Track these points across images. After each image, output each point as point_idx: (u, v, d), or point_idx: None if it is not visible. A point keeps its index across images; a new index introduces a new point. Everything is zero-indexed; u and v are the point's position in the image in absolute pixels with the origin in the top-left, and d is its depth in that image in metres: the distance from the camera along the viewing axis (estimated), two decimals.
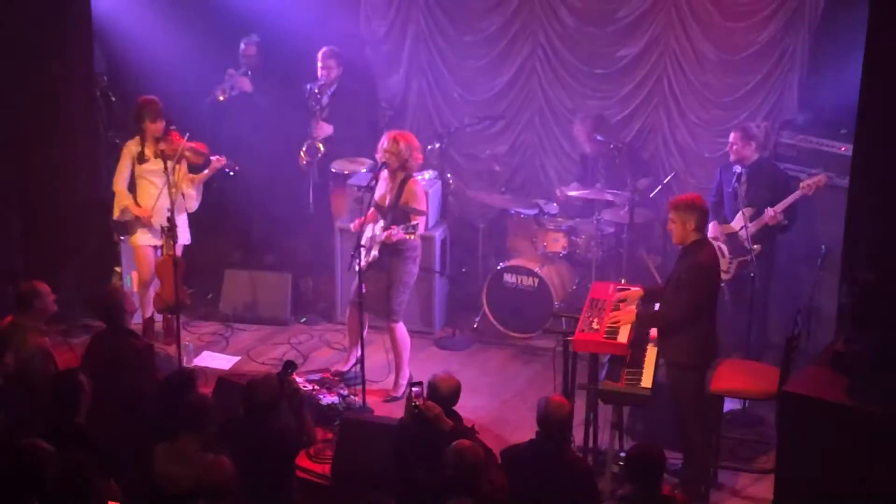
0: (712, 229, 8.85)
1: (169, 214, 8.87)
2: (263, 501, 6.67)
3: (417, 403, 6.79)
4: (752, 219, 8.74)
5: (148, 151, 9.19)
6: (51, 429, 6.66)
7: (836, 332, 7.32)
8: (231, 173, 9.38)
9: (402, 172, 8.65)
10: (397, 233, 8.41)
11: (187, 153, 9.20)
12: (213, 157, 9.28)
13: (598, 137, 9.84)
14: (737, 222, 8.80)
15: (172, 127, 9.18)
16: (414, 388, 6.89)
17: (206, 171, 9.34)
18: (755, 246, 8.67)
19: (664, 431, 7.73)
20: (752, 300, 8.73)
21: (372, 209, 8.74)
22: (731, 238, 8.86)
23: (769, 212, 8.70)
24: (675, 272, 7.55)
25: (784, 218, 8.76)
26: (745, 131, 8.92)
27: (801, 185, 8.69)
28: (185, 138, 9.19)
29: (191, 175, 9.32)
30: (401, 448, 6.92)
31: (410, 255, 8.72)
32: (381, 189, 8.75)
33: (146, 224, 9.26)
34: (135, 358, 7.61)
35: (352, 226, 8.88)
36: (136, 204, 9.27)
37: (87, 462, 6.09)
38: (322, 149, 10.30)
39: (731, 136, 8.94)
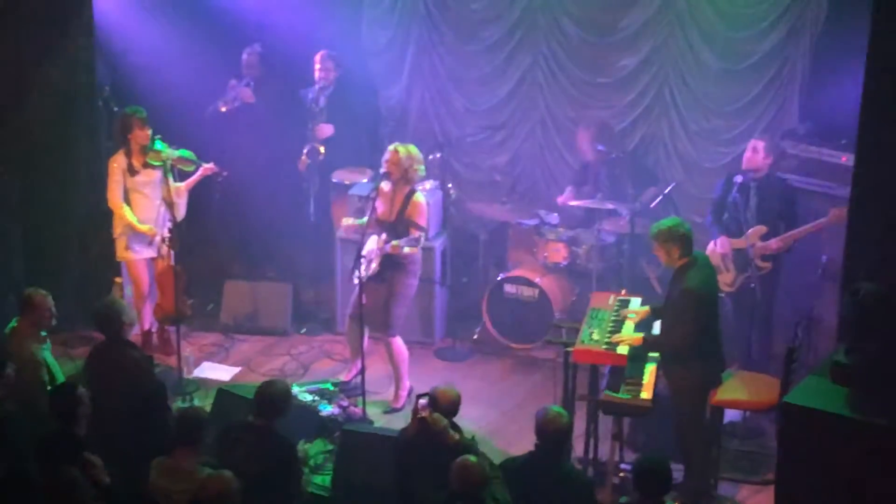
0: (721, 245, 8.78)
1: (170, 224, 8.86)
2: None
3: (424, 416, 6.76)
4: (763, 238, 8.66)
5: (136, 163, 9.14)
6: (50, 441, 6.67)
7: (837, 342, 7.29)
8: (220, 179, 9.34)
9: (405, 185, 8.63)
10: (402, 245, 8.38)
11: (176, 158, 9.16)
12: (203, 165, 9.25)
13: (600, 147, 9.82)
14: (747, 238, 8.72)
15: (158, 136, 9.15)
16: (420, 401, 6.85)
17: (193, 178, 9.30)
18: (765, 264, 8.62)
19: (665, 442, 7.71)
20: (752, 312, 8.71)
21: (370, 220, 8.71)
22: (739, 253, 8.77)
23: (772, 244, 8.60)
24: (670, 294, 7.54)
25: (786, 246, 8.68)
26: (768, 143, 8.78)
27: (831, 213, 8.49)
28: (173, 147, 9.18)
29: (176, 184, 9.27)
30: (403, 460, 6.89)
31: (411, 268, 8.71)
32: (385, 201, 8.73)
33: (151, 240, 9.23)
34: (134, 369, 7.60)
35: (343, 228, 8.82)
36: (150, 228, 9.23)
37: (82, 482, 6.10)
38: (323, 151, 10.31)
39: (756, 145, 8.71)
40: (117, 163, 9.18)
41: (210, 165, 9.28)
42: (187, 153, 9.27)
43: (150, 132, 9.10)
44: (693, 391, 7.45)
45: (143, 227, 9.14)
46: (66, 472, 6.14)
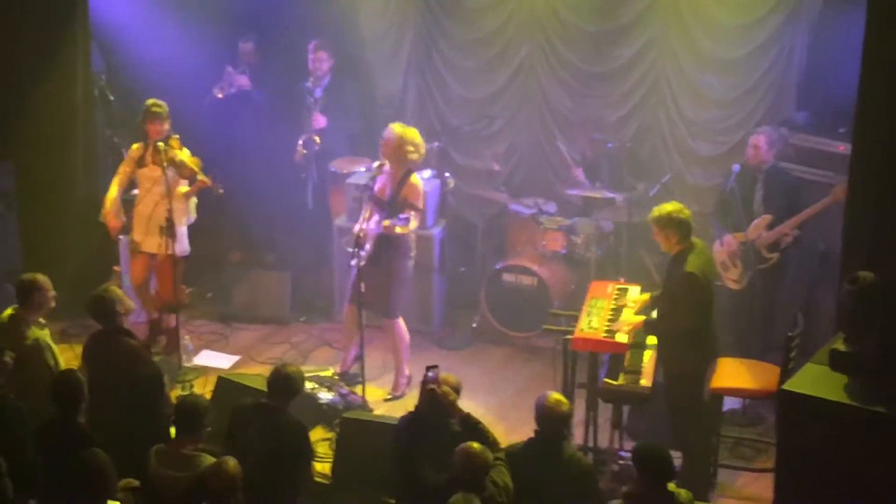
0: (727, 244, 8.78)
1: (168, 215, 8.83)
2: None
3: (433, 387, 6.77)
4: (770, 227, 8.66)
5: (148, 156, 9.09)
6: (52, 429, 6.69)
7: (835, 330, 7.32)
8: (214, 195, 9.27)
9: (401, 166, 8.65)
10: (393, 224, 8.38)
11: (177, 161, 9.08)
12: (199, 178, 9.11)
13: (597, 136, 9.84)
14: (753, 230, 8.69)
15: (175, 135, 9.10)
16: (429, 373, 6.85)
17: (189, 189, 9.18)
18: (772, 254, 8.63)
19: (664, 430, 7.71)
20: (752, 302, 8.71)
21: (368, 208, 8.71)
22: (745, 246, 8.76)
23: (780, 232, 8.60)
24: (667, 281, 7.57)
25: (797, 230, 8.66)
26: (769, 136, 8.75)
27: (832, 191, 8.48)
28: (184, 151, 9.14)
29: (183, 187, 9.17)
30: (405, 441, 6.88)
31: (404, 249, 8.72)
32: (382, 182, 8.73)
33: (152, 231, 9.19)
34: (131, 357, 7.61)
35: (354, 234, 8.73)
36: (117, 213, 9.14)
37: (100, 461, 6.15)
38: (318, 141, 10.31)
39: (756, 141, 8.68)
40: (131, 152, 9.18)
41: (205, 179, 9.13)
42: (192, 160, 9.17)
43: (161, 127, 8.99)
44: (689, 376, 7.47)
45: (112, 220, 9.08)
46: (94, 455, 6.18)
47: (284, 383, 6.92)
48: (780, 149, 8.88)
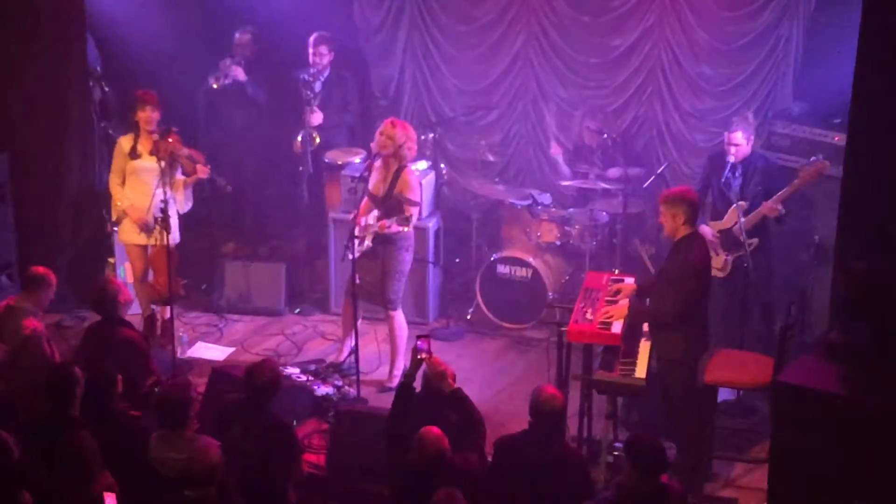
0: (702, 232, 8.77)
1: (163, 206, 8.80)
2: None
3: (422, 357, 6.78)
4: (746, 213, 8.65)
5: (141, 148, 8.98)
6: (46, 421, 6.68)
7: (830, 321, 7.32)
8: (223, 192, 9.26)
9: (396, 161, 8.62)
10: (391, 224, 8.38)
11: (183, 159, 9.05)
12: (198, 167, 9.06)
13: (591, 126, 9.83)
14: (730, 217, 8.70)
15: (175, 129, 9.05)
16: (419, 342, 6.84)
17: (190, 178, 9.14)
18: (752, 240, 8.62)
19: (658, 421, 7.73)
20: (746, 291, 8.71)
21: (365, 200, 8.72)
22: (725, 234, 8.77)
23: (767, 203, 8.58)
24: (666, 266, 7.54)
25: (782, 208, 8.67)
26: (746, 129, 8.71)
27: (800, 173, 8.55)
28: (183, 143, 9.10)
29: (180, 178, 9.17)
30: (394, 415, 6.89)
31: (403, 244, 8.70)
32: (375, 179, 8.73)
33: (140, 225, 9.15)
34: (129, 348, 7.61)
35: (351, 220, 8.72)
36: (139, 209, 9.08)
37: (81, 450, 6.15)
38: (318, 139, 10.28)
39: (737, 136, 8.58)
40: (121, 144, 9.07)
41: (205, 168, 9.13)
42: (195, 154, 9.14)
43: (153, 115, 8.93)
44: (680, 364, 7.46)
45: (135, 214, 9.04)
46: (76, 437, 6.23)
47: (262, 382, 6.81)
48: (759, 135, 8.86)
